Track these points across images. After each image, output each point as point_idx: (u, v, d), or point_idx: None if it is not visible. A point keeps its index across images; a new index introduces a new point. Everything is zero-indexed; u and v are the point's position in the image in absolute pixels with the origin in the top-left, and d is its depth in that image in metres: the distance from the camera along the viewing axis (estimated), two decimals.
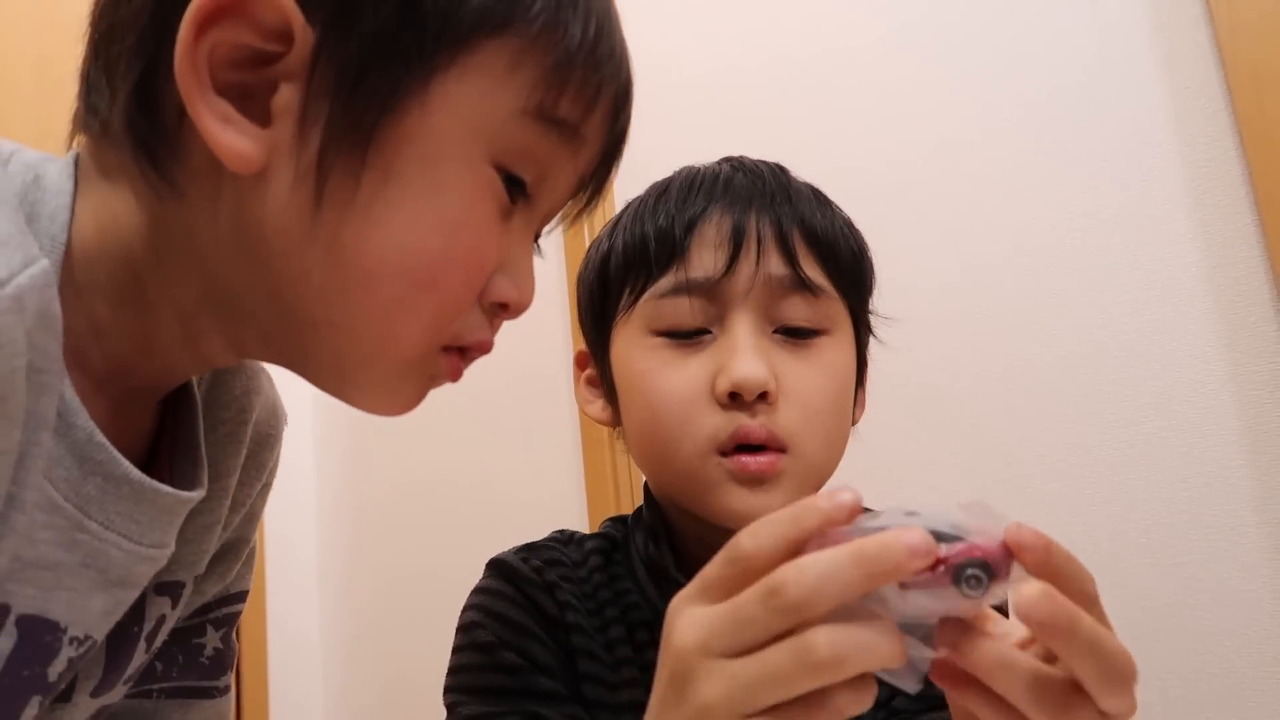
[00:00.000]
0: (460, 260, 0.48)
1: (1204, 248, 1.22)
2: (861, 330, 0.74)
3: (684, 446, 0.65)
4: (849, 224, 0.74)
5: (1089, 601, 0.40)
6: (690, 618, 0.42)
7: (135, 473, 0.47)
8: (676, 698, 0.42)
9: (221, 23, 0.43)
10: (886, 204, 1.41)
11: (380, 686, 1.97)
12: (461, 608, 0.73)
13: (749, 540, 0.42)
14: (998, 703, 0.40)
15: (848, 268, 0.71)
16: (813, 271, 0.68)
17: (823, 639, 0.38)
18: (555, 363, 1.72)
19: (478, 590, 0.73)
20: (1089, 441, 1.26)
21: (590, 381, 0.78)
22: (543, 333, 1.72)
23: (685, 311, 0.68)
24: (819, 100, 1.52)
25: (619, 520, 0.78)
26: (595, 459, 1.65)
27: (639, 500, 1.39)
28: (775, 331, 0.68)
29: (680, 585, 0.66)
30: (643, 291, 0.69)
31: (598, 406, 0.76)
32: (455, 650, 0.71)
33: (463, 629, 0.71)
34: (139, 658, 0.55)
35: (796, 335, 0.68)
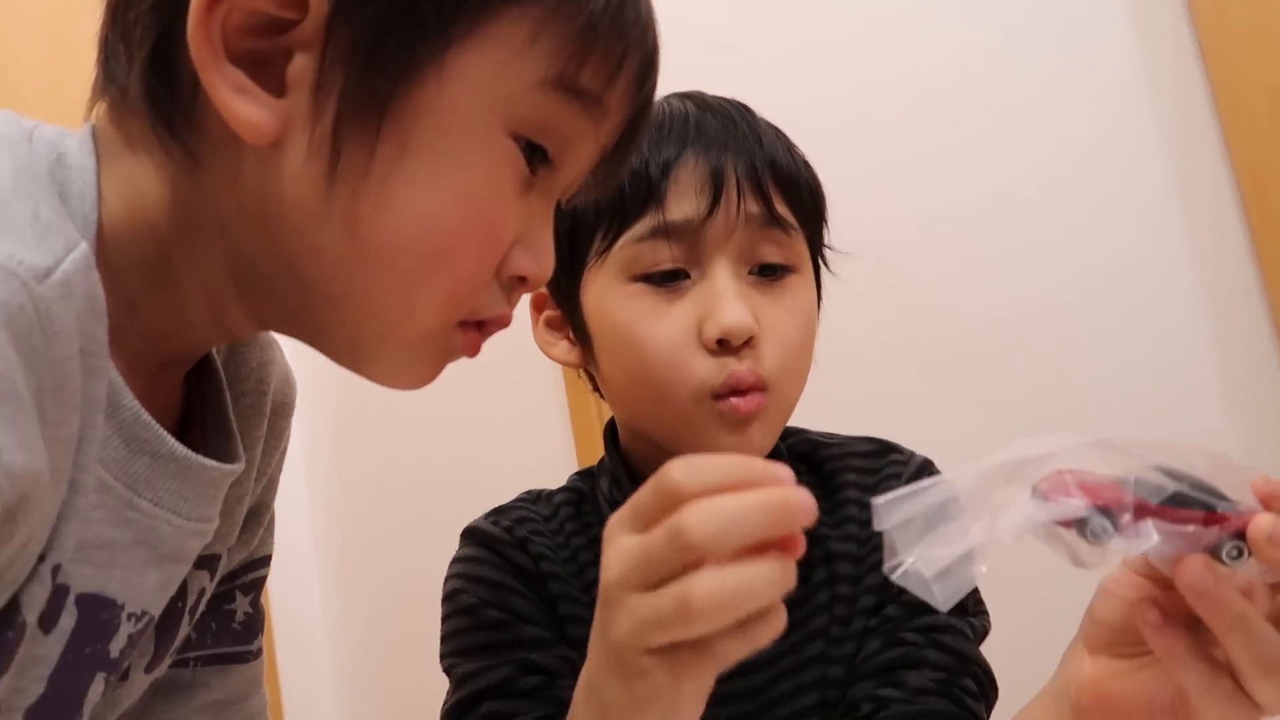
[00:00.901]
0: (476, 234, 0.47)
1: (1168, 153, 1.23)
2: (818, 265, 0.76)
3: (675, 392, 0.66)
4: (806, 161, 0.75)
5: None
6: (616, 549, 0.44)
7: (181, 449, 0.47)
8: (601, 628, 0.45)
9: None
10: (857, 150, 1.40)
11: (387, 655, 1.99)
12: (444, 579, 0.76)
13: (680, 472, 0.42)
14: (1201, 653, 0.42)
15: (809, 204, 0.73)
16: (783, 210, 0.70)
17: (700, 588, 0.40)
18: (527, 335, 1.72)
19: (456, 560, 0.76)
20: (1066, 381, 1.27)
21: (550, 324, 0.77)
22: (520, 304, 1.73)
23: (664, 255, 0.68)
24: (791, 46, 1.50)
25: (585, 473, 0.81)
26: (583, 420, 1.66)
27: None
28: (750, 272, 0.69)
29: None
30: (617, 236, 0.69)
31: (561, 348, 0.76)
32: (444, 619, 0.74)
33: (447, 598, 0.74)
34: (183, 631, 0.56)
35: (770, 274, 0.70)
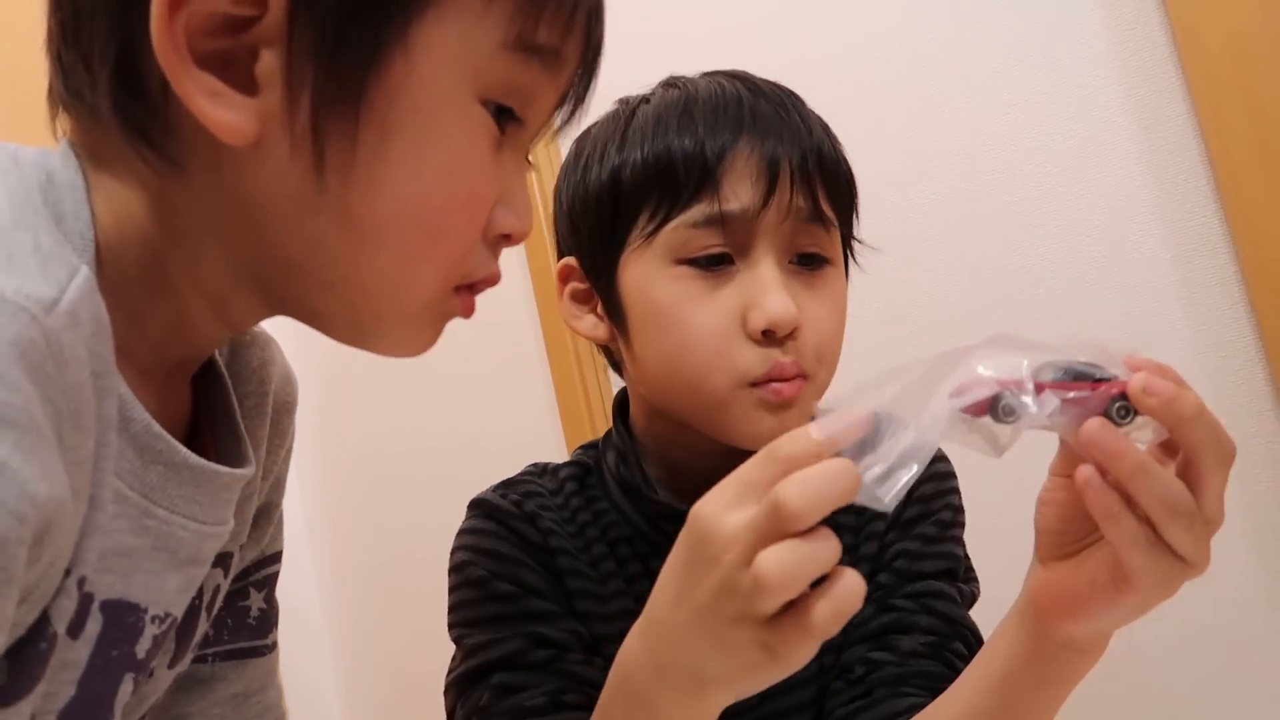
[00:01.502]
0: (464, 203, 0.48)
1: (1133, 108, 1.25)
2: (849, 257, 0.77)
3: (715, 379, 0.67)
4: (843, 150, 0.75)
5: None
6: (734, 520, 0.47)
7: (193, 458, 0.49)
8: (693, 606, 0.48)
9: None
10: (823, 111, 1.41)
11: (384, 632, 2.02)
12: (450, 549, 0.77)
13: (790, 443, 0.46)
14: (1129, 507, 0.47)
15: (847, 199, 0.74)
16: (826, 206, 0.71)
17: (766, 563, 0.44)
18: (517, 301, 1.74)
19: (464, 531, 0.77)
20: (1034, 313, 1.30)
21: (576, 296, 0.77)
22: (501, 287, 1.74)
23: (714, 240, 0.68)
24: (760, 6, 1.51)
25: (589, 446, 0.82)
26: (565, 383, 1.67)
27: (609, 403, 1.38)
28: (790, 261, 0.70)
29: (653, 501, 0.71)
30: (666, 218, 0.69)
31: (587, 322, 0.76)
32: (452, 590, 0.75)
33: (455, 569, 0.75)
34: (202, 627, 0.58)
35: (809, 264, 0.71)
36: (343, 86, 0.44)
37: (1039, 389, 0.47)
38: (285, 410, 0.63)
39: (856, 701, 0.68)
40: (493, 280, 0.53)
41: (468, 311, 0.53)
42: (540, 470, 0.80)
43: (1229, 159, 1.19)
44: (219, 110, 0.43)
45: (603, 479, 0.78)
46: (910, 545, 0.73)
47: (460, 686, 0.71)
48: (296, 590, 2.02)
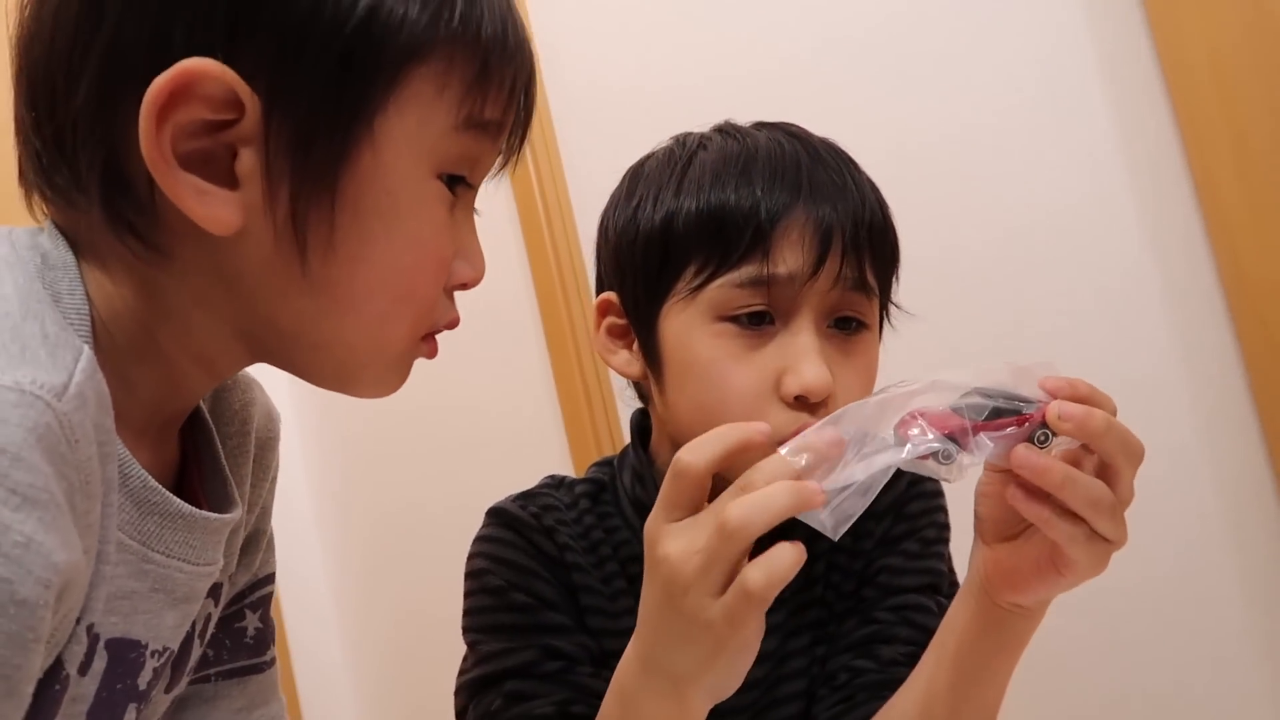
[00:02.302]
0: (431, 268, 0.54)
1: (1116, 115, 1.29)
2: (883, 320, 0.78)
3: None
4: (891, 218, 0.76)
5: (1105, 403, 0.56)
6: (672, 548, 0.55)
7: (186, 508, 0.53)
8: (659, 614, 0.56)
9: (177, 106, 0.46)
10: (801, 92, 1.45)
11: (391, 610, 2.06)
12: (468, 555, 0.79)
13: (688, 455, 0.55)
14: (1060, 509, 0.54)
15: (890, 265, 0.76)
16: (871, 277, 0.72)
17: (732, 510, 0.52)
18: (515, 279, 1.77)
19: (482, 538, 0.79)
20: (1023, 321, 1.34)
21: (612, 332, 0.78)
22: (499, 252, 1.76)
23: (758, 300, 0.69)
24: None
25: (604, 463, 0.84)
26: (564, 369, 1.71)
27: (609, 401, 1.42)
28: (829, 325, 0.71)
29: None
30: (715, 274, 0.69)
31: (621, 358, 0.77)
32: (468, 594, 0.78)
33: (472, 575, 0.78)
34: (196, 653, 0.62)
35: (846, 327, 0.72)
36: (318, 179, 0.49)
37: (974, 430, 0.54)
38: (268, 446, 0.67)
39: (839, 705, 0.73)
40: (453, 325, 0.59)
41: (432, 353, 0.59)
42: (557, 483, 0.83)
43: (1208, 166, 1.22)
44: (207, 206, 0.48)
45: (616, 497, 0.80)
46: (893, 561, 0.77)
47: (472, 690, 0.74)
48: (303, 568, 2.06)
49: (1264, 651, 1.22)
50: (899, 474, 0.77)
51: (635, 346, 0.76)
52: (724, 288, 0.70)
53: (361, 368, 0.56)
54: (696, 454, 0.55)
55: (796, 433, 0.67)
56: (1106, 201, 1.29)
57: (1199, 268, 1.25)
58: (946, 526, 0.80)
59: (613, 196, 0.79)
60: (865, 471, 0.53)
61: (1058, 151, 1.32)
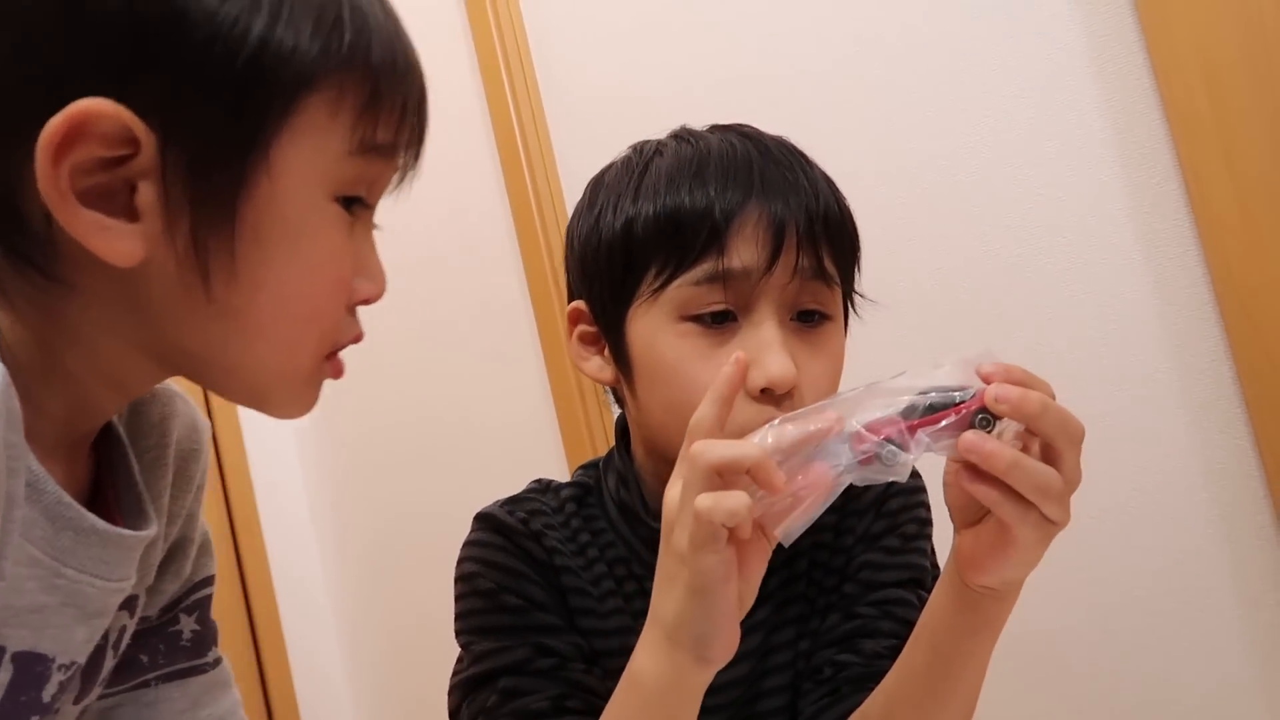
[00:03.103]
0: (331, 290, 0.55)
1: (1107, 114, 1.30)
2: (848, 311, 0.80)
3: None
4: (848, 207, 0.78)
5: (1040, 385, 0.57)
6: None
7: (100, 524, 0.54)
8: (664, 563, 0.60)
9: (73, 146, 0.46)
10: (802, 108, 1.46)
11: (388, 612, 2.07)
12: (457, 559, 0.80)
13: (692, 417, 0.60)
14: (1009, 492, 0.55)
15: (850, 255, 0.77)
16: (830, 265, 0.73)
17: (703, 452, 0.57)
18: (510, 282, 1.78)
19: (471, 543, 0.80)
20: (1012, 311, 1.36)
21: (584, 339, 0.79)
22: (494, 255, 1.78)
23: (717, 298, 0.70)
24: (737, 3, 1.55)
25: (590, 466, 0.85)
26: (559, 373, 1.72)
27: (604, 404, 1.41)
28: (791, 318, 0.72)
29: (650, 526, 0.76)
30: (674, 276, 0.71)
31: (594, 365, 0.78)
32: (459, 598, 0.79)
33: (463, 579, 0.79)
34: (109, 664, 0.62)
35: (809, 320, 0.73)
36: (217, 208, 0.49)
37: (912, 430, 0.56)
38: (191, 458, 0.67)
39: (824, 699, 0.73)
40: (358, 339, 0.59)
41: (338, 374, 0.59)
42: (543, 488, 0.84)
43: (1198, 162, 1.23)
44: (107, 241, 0.48)
45: (602, 500, 0.81)
46: (874, 557, 0.78)
47: (466, 689, 0.75)
48: (301, 571, 2.07)
49: (1253, 642, 1.23)
50: None
51: (607, 352, 0.78)
52: (683, 287, 0.71)
53: (271, 389, 0.56)
54: (698, 413, 0.60)
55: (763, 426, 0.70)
56: (1098, 199, 1.31)
57: (1189, 265, 1.26)
58: (928, 522, 0.81)
59: (577, 207, 0.81)
60: (805, 483, 0.56)
61: (1049, 148, 1.33)
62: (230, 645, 1.78)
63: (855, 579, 0.77)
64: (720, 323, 0.71)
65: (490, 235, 1.79)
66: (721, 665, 0.59)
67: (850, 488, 0.57)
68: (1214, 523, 1.25)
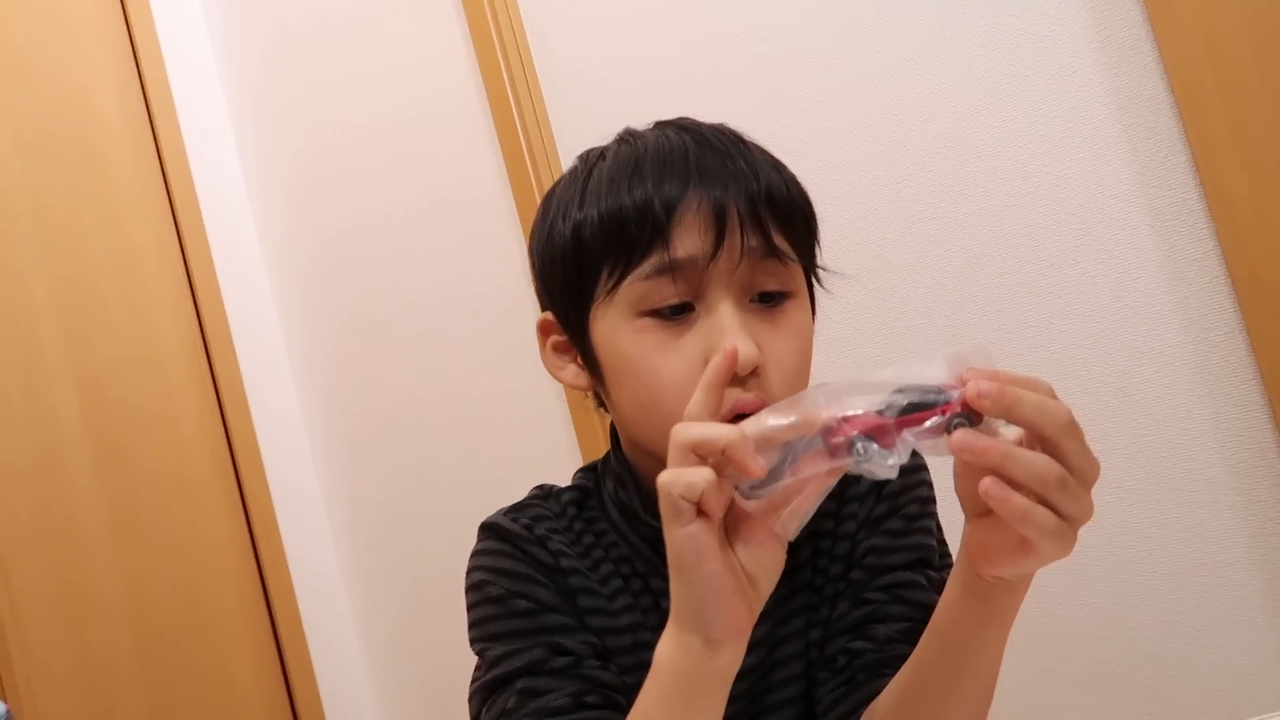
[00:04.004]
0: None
1: (1112, 88, 1.29)
2: (812, 284, 0.80)
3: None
4: (798, 184, 0.78)
5: (1032, 386, 0.55)
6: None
7: None
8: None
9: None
10: (814, 95, 1.46)
11: (404, 602, 2.08)
12: (466, 570, 0.81)
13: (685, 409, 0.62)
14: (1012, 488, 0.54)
15: (804, 231, 0.77)
16: (780, 242, 0.73)
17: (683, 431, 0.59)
18: (515, 270, 1.78)
19: (478, 553, 0.81)
20: (1023, 289, 1.35)
21: (557, 348, 0.81)
22: (499, 244, 1.78)
23: (669, 291, 0.71)
24: None
25: (588, 469, 0.86)
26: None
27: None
28: (750, 300, 0.73)
29: (649, 524, 0.76)
30: (624, 274, 0.72)
31: (569, 372, 0.80)
32: (471, 607, 0.79)
33: (473, 588, 0.79)
34: None
35: (769, 300, 0.73)
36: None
37: (897, 427, 0.55)
38: None
39: (841, 688, 0.73)
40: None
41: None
42: (545, 494, 0.84)
43: (1204, 133, 1.22)
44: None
45: (602, 502, 0.82)
46: (879, 541, 0.77)
47: (485, 693, 0.75)
48: (314, 563, 2.08)
49: (1275, 614, 1.23)
50: None
51: (580, 359, 0.79)
52: (635, 283, 0.72)
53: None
54: (691, 405, 0.61)
55: (731, 408, 0.69)
56: (1105, 174, 1.30)
57: (1199, 237, 1.25)
58: (931, 500, 0.81)
59: (533, 224, 0.82)
60: (792, 475, 0.56)
61: (1055, 126, 1.33)
62: (252, 645, 1.81)
63: (862, 564, 0.77)
64: (678, 314, 0.72)
65: (493, 220, 1.79)
66: (732, 646, 0.59)
67: (846, 473, 0.57)
68: (1230, 495, 1.24)
